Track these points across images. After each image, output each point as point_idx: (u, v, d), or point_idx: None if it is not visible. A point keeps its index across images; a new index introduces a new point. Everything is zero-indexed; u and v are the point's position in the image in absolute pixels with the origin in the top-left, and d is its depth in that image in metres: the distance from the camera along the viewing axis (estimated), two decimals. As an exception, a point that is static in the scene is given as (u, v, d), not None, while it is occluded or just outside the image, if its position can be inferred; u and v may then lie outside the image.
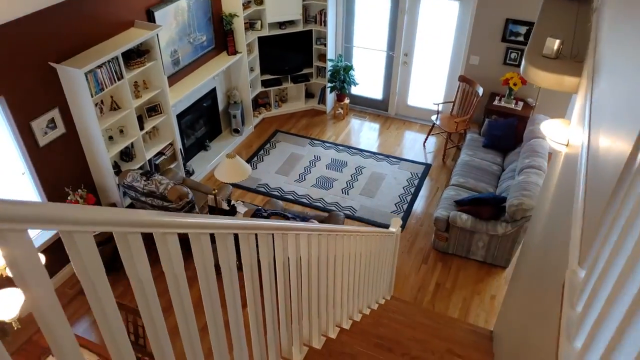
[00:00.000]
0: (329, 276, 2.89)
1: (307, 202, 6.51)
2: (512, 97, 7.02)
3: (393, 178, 6.95)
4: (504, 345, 3.45)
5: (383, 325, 4.02)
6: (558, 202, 2.54)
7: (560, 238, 2.00)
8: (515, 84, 6.81)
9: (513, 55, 6.97)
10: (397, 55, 7.77)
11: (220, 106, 7.47)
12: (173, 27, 5.99)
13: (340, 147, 7.59)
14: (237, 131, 7.60)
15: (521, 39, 6.79)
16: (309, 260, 2.53)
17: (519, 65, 7.00)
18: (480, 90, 6.93)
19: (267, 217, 4.56)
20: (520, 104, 7.05)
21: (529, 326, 2.29)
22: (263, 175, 7.01)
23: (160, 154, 6.08)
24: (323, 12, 7.55)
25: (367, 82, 8.33)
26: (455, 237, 5.53)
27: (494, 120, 6.91)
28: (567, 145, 2.78)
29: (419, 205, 6.48)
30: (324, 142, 7.73)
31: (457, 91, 7.35)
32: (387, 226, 6.10)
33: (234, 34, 7.05)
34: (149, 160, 5.83)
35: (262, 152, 7.50)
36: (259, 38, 7.52)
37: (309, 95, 8.67)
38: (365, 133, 7.98)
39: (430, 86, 7.93)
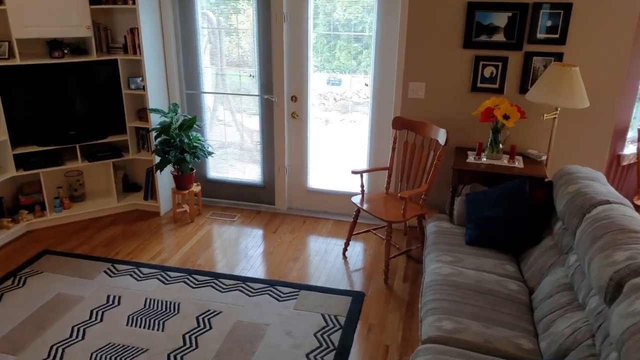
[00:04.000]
0: None
1: None
2: (499, 144, 3.64)
3: (283, 333, 2.99)
4: None
5: None
6: None
7: None
8: (506, 117, 3.48)
9: (489, 70, 3.74)
10: (279, 101, 4.30)
11: None
12: None
13: (173, 274, 3.60)
14: None
15: (501, 37, 3.62)
16: None
17: (501, 89, 3.76)
18: (442, 136, 3.49)
19: None
20: (519, 159, 3.67)
21: None
22: (-48, 359, 2.75)
23: None
24: (135, 32, 4.06)
25: (233, 154, 4.70)
26: None
27: (477, 192, 3.40)
28: None
29: (348, 404, 2.49)
30: (139, 265, 3.72)
31: (394, 146, 3.87)
32: None
33: None
34: None
35: (-16, 299, 3.30)
36: (2, 69, 3.77)
37: (130, 186, 4.80)
38: (235, 246, 4.11)
39: (343, 147, 4.44)
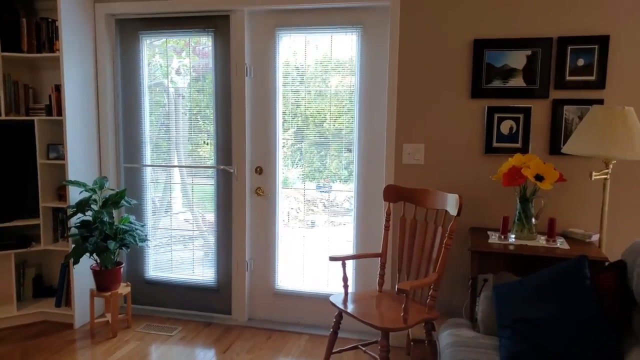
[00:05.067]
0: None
1: None
2: (531, 219, 2.63)
3: None
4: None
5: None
6: None
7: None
8: (539, 177, 2.52)
9: (507, 125, 2.87)
10: (239, 173, 3.37)
11: None
12: None
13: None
14: None
15: (519, 82, 2.81)
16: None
17: (526, 149, 2.85)
18: (452, 204, 2.51)
19: None
20: (561, 241, 2.65)
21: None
22: None
23: None
24: (60, 89, 3.26)
25: (180, 245, 3.64)
26: None
27: (511, 283, 2.32)
28: None
29: None
30: (10, 402, 2.48)
31: (387, 224, 2.86)
32: None
33: None
34: None
35: None
36: None
37: (44, 290, 3.65)
38: (161, 368, 2.89)
39: (322, 232, 3.41)
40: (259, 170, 3.39)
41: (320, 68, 3.23)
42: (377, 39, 3.09)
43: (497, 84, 2.84)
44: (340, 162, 3.27)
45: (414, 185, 2.98)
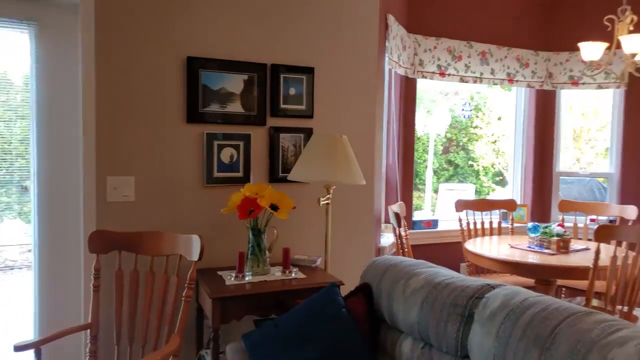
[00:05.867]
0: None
1: None
2: (264, 251, 2.46)
3: None
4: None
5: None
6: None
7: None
8: (275, 207, 2.37)
9: (227, 153, 2.62)
10: None
11: None
12: None
13: None
14: None
15: (238, 107, 2.62)
16: None
17: (247, 178, 2.67)
18: (194, 247, 2.08)
19: None
20: (296, 270, 2.53)
21: None
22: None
23: None
24: None
25: None
26: None
27: (262, 328, 2.06)
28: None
29: None
30: None
31: (97, 282, 2.17)
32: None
33: None
34: None
35: None
36: None
37: None
38: None
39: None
40: None
41: (-30, 73, 2.26)
42: (62, 43, 2.37)
43: (215, 108, 2.58)
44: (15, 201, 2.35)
45: (122, 227, 2.37)
